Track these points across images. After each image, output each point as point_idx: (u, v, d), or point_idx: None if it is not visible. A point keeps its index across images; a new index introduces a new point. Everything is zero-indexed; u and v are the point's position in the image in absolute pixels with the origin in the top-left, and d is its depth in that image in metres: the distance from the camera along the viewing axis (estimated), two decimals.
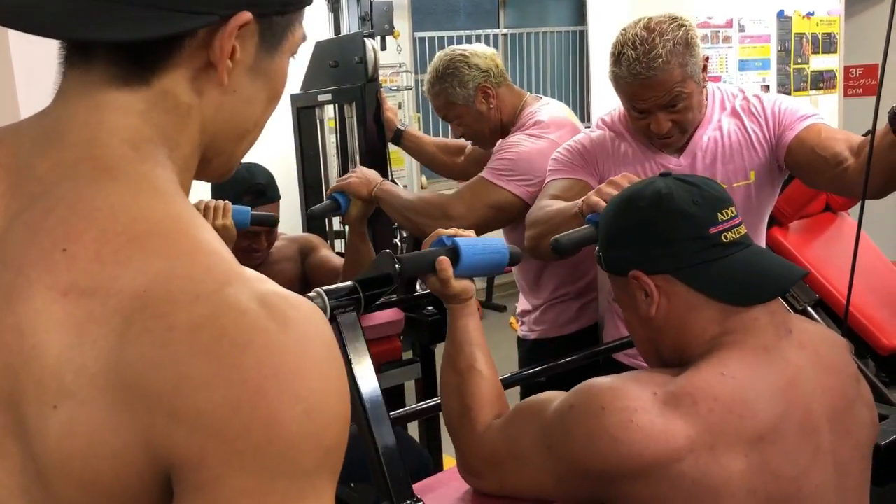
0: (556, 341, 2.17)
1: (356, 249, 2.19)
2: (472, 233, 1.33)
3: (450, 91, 2.13)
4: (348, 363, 1.20)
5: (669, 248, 1.10)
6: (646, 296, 1.12)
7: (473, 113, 2.15)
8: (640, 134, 1.82)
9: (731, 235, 1.10)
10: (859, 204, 1.60)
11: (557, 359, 1.66)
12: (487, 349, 1.28)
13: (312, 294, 1.19)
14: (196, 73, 0.64)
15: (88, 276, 0.56)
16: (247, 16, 0.63)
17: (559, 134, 2.06)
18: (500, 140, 2.22)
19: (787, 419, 1.04)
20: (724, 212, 1.11)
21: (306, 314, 0.59)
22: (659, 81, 1.66)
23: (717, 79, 4.62)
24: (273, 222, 2.13)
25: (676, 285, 1.10)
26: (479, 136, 2.22)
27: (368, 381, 1.21)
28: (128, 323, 0.55)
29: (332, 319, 1.19)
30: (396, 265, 1.25)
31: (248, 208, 2.03)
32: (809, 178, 1.79)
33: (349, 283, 1.24)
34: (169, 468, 0.54)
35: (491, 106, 2.13)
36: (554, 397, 1.12)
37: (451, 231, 1.31)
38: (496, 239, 1.35)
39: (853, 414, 1.13)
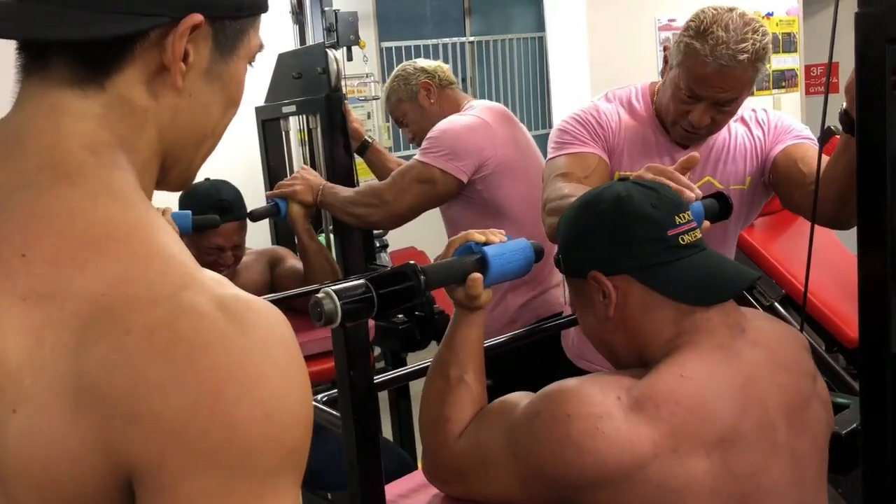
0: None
1: (307, 249, 2.26)
2: (500, 234, 1.26)
3: (396, 87, 2.31)
4: (349, 371, 1.14)
5: (629, 249, 1.12)
6: (603, 297, 1.14)
7: (416, 108, 2.29)
8: (666, 115, 1.72)
9: (687, 238, 1.13)
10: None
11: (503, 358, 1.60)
12: (482, 362, 1.26)
13: (321, 295, 1.04)
14: (150, 77, 0.65)
15: (46, 281, 0.56)
16: (197, 18, 0.64)
17: (488, 113, 2.13)
18: None
19: (745, 417, 1.06)
20: (680, 216, 1.14)
21: (265, 317, 0.59)
22: (735, 76, 1.58)
23: None
24: (214, 224, 2.12)
25: (634, 285, 1.12)
26: (423, 134, 2.23)
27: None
28: (85, 327, 0.55)
29: (345, 322, 1.05)
30: (421, 276, 1.13)
31: (189, 212, 2.05)
32: (787, 193, 1.71)
33: (360, 280, 1.08)
34: (129, 472, 0.55)
35: (432, 101, 2.26)
36: (520, 400, 1.13)
37: (481, 236, 1.24)
38: (521, 241, 1.28)
39: (809, 410, 1.15)
